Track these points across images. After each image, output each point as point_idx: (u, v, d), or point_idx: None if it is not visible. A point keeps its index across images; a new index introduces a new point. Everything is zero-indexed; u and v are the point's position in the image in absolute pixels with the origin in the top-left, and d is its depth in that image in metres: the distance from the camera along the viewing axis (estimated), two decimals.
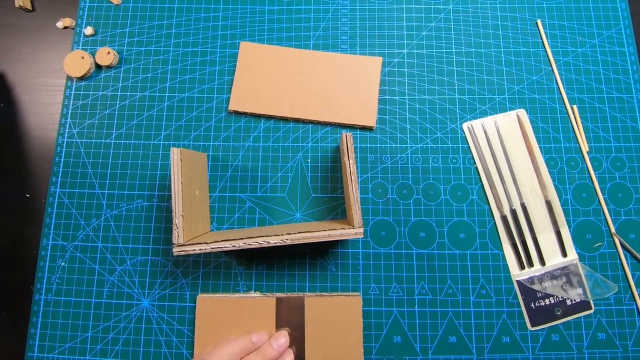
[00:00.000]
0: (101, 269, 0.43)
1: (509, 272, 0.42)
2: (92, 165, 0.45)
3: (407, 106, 0.46)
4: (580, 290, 0.41)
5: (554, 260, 0.42)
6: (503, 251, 0.42)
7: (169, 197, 0.44)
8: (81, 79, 0.47)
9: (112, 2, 0.49)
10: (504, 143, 0.45)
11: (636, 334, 0.41)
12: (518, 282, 0.42)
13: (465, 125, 0.45)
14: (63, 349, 0.41)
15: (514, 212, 0.43)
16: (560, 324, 0.41)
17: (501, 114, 0.45)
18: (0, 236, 0.45)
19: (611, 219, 0.43)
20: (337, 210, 0.44)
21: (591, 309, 0.41)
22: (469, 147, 0.45)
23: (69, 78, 0.47)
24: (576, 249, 0.42)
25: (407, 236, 0.43)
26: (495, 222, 0.43)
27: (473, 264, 0.42)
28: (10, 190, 0.46)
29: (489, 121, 0.45)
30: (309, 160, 0.45)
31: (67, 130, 0.46)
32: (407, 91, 0.46)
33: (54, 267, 0.43)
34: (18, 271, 0.44)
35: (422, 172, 0.44)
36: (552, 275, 0.42)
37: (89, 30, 0.48)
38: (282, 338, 0.38)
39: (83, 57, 0.45)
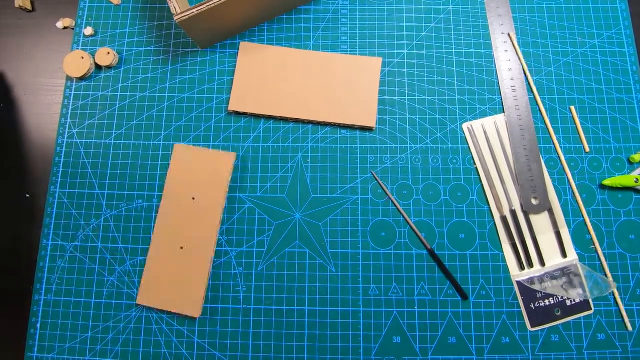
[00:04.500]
0: (101, 269, 0.43)
1: (509, 273, 0.42)
2: (92, 166, 0.45)
3: (407, 107, 0.46)
4: (580, 291, 0.41)
5: (554, 260, 0.42)
6: (503, 252, 0.42)
7: None
8: (81, 79, 0.47)
9: (112, 3, 0.49)
10: (503, 143, 0.45)
11: (636, 334, 0.41)
12: (518, 282, 0.42)
13: (465, 126, 0.45)
14: (63, 349, 0.41)
15: (513, 213, 0.43)
16: (559, 324, 0.41)
17: (501, 114, 0.45)
18: (0, 236, 0.45)
19: (612, 220, 0.43)
20: (337, 211, 0.44)
21: (591, 309, 0.41)
22: (469, 147, 0.45)
23: (69, 78, 0.47)
24: (576, 250, 0.42)
25: (407, 237, 0.43)
26: (495, 223, 0.43)
27: (473, 265, 0.42)
28: (10, 190, 0.46)
29: (488, 122, 0.45)
30: (308, 160, 0.45)
31: (67, 130, 0.46)
32: (407, 92, 0.46)
33: (54, 267, 0.43)
34: (18, 271, 0.44)
35: (422, 172, 0.44)
36: (552, 276, 0.42)
37: (88, 31, 0.48)
38: None
39: (83, 58, 0.45)
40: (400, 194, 0.44)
